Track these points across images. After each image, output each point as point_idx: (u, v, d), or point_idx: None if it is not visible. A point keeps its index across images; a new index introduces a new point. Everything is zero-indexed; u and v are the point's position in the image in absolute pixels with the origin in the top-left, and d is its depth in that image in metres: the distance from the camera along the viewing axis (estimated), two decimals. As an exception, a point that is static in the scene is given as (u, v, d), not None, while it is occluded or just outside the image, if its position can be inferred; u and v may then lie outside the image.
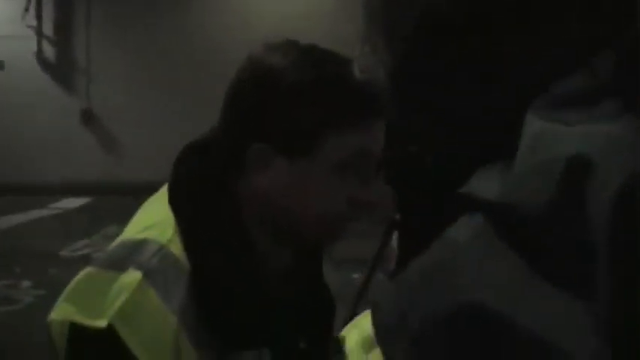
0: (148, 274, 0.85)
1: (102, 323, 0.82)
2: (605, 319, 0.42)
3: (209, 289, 0.87)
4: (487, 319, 0.44)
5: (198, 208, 0.91)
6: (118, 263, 0.87)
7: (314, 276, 1.05)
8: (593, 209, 0.43)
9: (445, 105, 0.56)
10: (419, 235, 0.57)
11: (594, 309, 0.42)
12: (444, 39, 0.55)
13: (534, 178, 0.46)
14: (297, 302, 0.99)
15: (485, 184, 0.49)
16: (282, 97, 0.87)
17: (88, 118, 10.54)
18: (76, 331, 0.84)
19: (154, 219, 0.92)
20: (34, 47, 10.54)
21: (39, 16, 10.51)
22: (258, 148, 0.88)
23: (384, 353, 0.48)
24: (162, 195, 0.95)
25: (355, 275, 4.50)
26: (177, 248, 0.88)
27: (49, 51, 10.71)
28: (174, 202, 0.92)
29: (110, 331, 0.81)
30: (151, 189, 1.00)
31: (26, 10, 10.38)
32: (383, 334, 0.49)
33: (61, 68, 10.71)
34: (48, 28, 10.65)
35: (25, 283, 5.28)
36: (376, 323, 0.49)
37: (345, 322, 2.99)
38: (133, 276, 0.84)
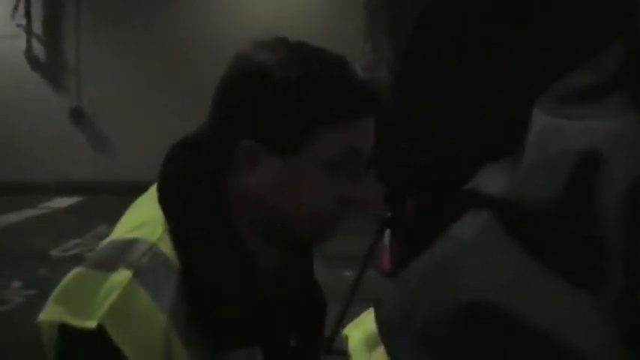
0: (137, 274, 0.84)
1: (92, 324, 0.81)
2: (614, 312, 0.41)
3: (199, 287, 0.86)
4: (492, 317, 0.43)
5: (187, 206, 0.90)
6: (108, 263, 0.86)
7: (304, 274, 1.05)
8: (602, 203, 0.43)
9: (445, 105, 0.56)
10: (415, 234, 0.57)
11: (601, 303, 0.42)
12: (444, 39, 0.55)
13: (542, 173, 0.46)
14: (287, 300, 0.99)
15: (490, 181, 0.49)
16: (271, 95, 0.87)
17: (77, 116, 10.48)
18: (65, 331, 0.84)
19: (143, 218, 0.92)
20: (24, 46, 10.48)
21: (28, 15, 10.44)
22: (248, 146, 0.88)
23: (388, 351, 0.48)
24: (151, 194, 0.95)
25: (347, 273, 4.49)
26: (167, 247, 0.87)
27: (38, 49, 10.65)
28: (163, 200, 0.92)
29: (100, 331, 0.81)
30: (142, 188, 0.99)
31: (15, 9, 10.31)
32: (386, 333, 0.49)
33: (50, 67, 10.64)
34: (37, 27, 10.59)
35: (16, 284, 5.25)
36: (380, 321, 0.50)
37: (338, 320, 2.98)
38: (122, 275, 0.84)
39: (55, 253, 6.19)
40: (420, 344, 0.47)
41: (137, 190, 0.99)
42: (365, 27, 0.63)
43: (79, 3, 10.41)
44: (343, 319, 2.86)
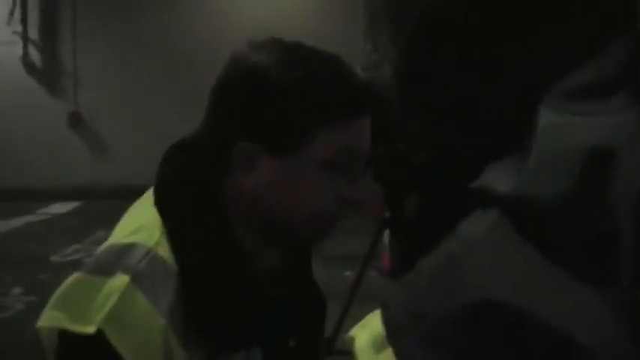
0: (135, 278, 0.84)
1: (91, 329, 0.81)
2: (623, 308, 0.41)
3: (197, 289, 0.86)
4: (501, 315, 0.43)
5: (184, 208, 0.90)
6: (106, 268, 0.86)
7: (303, 274, 1.04)
8: (613, 199, 0.43)
9: (445, 105, 0.56)
10: (417, 235, 0.57)
11: (611, 299, 0.42)
12: (444, 39, 0.56)
13: (550, 169, 0.46)
14: (286, 301, 0.99)
15: (497, 179, 0.49)
16: (269, 95, 0.87)
17: (75, 121, 10.47)
18: (65, 337, 0.84)
19: (140, 222, 0.91)
20: (20, 52, 10.47)
21: (24, 21, 10.43)
22: (244, 147, 0.88)
23: (396, 353, 0.48)
24: (147, 198, 0.94)
25: (347, 273, 4.49)
26: (164, 250, 0.87)
27: (34, 55, 10.64)
28: (160, 203, 0.92)
29: (99, 336, 0.81)
30: (141, 192, 0.99)
31: (11, 14, 10.30)
32: (394, 334, 0.48)
33: (47, 72, 10.63)
34: (33, 33, 10.58)
35: (16, 290, 5.24)
36: (387, 322, 0.49)
37: (339, 320, 2.98)
38: (120, 280, 0.84)
39: (55, 258, 6.18)
40: (428, 345, 0.47)
41: (136, 194, 0.99)
42: (365, 27, 0.63)
43: (74, 7, 10.40)
44: (344, 320, 2.87)
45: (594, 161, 0.45)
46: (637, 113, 0.46)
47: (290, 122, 0.86)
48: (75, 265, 0.91)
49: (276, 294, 0.96)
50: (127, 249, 0.87)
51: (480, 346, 0.45)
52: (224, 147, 0.89)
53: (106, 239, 0.95)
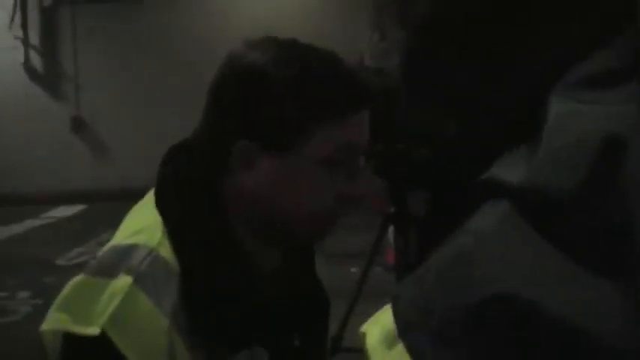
0: (138, 279, 0.84)
1: (94, 330, 0.81)
2: (635, 298, 0.41)
3: (199, 289, 0.86)
4: (511, 309, 0.43)
5: (184, 208, 0.90)
6: (108, 269, 0.86)
7: (306, 272, 1.04)
8: (625, 188, 0.43)
9: (445, 105, 0.57)
10: (427, 231, 0.57)
11: (623, 290, 0.42)
12: (444, 39, 0.56)
13: (563, 158, 0.45)
14: (289, 300, 0.99)
15: (508, 170, 0.49)
16: (266, 93, 0.87)
17: (78, 125, 10.50)
18: (69, 339, 0.84)
19: (142, 224, 0.91)
20: (22, 57, 10.49)
21: (24, 26, 10.45)
22: (243, 146, 0.88)
23: (408, 348, 0.48)
24: (149, 199, 0.94)
25: (353, 269, 4.50)
26: (166, 251, 0.87)
27: (36, 60, 10.66)
28: (160, 203, 0.92)
29: (103, 337, 0.81)
30: (143, 194, 0.99)
31: (12, 20, 10.32)
32: (405, 328, 0.48)
33: (49, 77, 10.65)
34: (34, 38, 10.60)
35: (22, 294, 5.26)
36: (398, 317, 0.49)
37: (345, 317, 2.97)
38: (123, 281, 0.84)
39: (60, 262, 6.19)
40: (438, 339, 0.47)
41: (139, 196, 0.99)
42: (372, 16, 0.63)
43: (74, 12, 10.41)
44: (350, 317, 2.87)
45: (608, 150, 0.44)
46: (638, 106, 0.46)
47: (287, 120, 0.86)
48: (80, 268, 0.91)
49: (278, 293, 0.96)
50: (129, 250, 0.87)
51: (490, 342, 0.44)
52: (223, 147, 0.89)
53: (110, 241, 0.95)
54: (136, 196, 0.99)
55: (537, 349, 0.43)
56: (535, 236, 0.45)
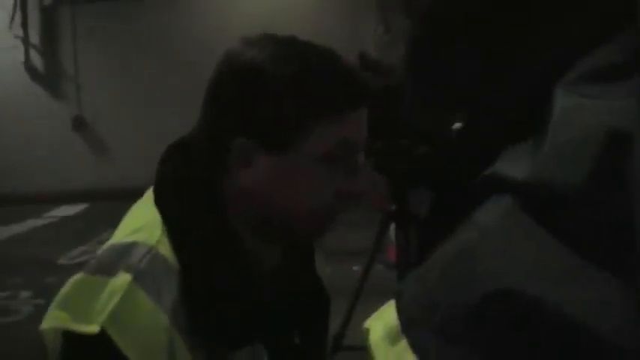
0: (137, 277, 0.84)
1: (94, 328, 0.81)
2: (638, 298, 0.41)
3: (198, 287, 0.86)
4: (514, 305, 0.43)
5: (183, 206, 0.90)
6: (107, 267, 0.86)
7: (305, 270, 1.04)
8: (629, 184, 0.43)
9: (445, 105, 0.57)
10: (430, 229, 0.57)
11: (628, 287, 0.42)
12: (444, 39, 0.56)
13: (568, 153, 0.45)
14: (289, 297, 0.98)
15: (512, 166, 0.48)
16: (264, 91, 0.86)
17: (79, 124, 10.50)
18: (69, 338, 0.84)
19: (141, 222, 0.91)
20: (22, 57, 10.49)
21: (24, 25, 10.45)
22: (240, 144, 0.87)
23: (411, 344, 0.47)
24: (148, 197, 0.94)
25: (355, 267, 4.49)
26: (165, 249, 0.87)
27: (36, 60, 10.66)
28: (159, 201, 0.91)
29: (103, 335, 0.81)
30: (144, 194, 0.99)
31: (12, 19, 10.31)
32: (408, 325, 0.48)
33: (49, 76, 10.65)
34: (34, 37, 10.59)
35: (24, 293, 5.26)
36: (401, 314, 0.49)
37: (346, 316, 2.97)
38: (122, 279, 0.84)
39: (62, 261, 6.20)
40: (441, 336, 0.47)
41: (140, 194, 1.00)
42: (377, 9, 0.63)
43: (74, 11, 10.41)
44: (351, 315, 2.87)
45: (612, 145, 0.44)
46: (638, 101, 0.46)
47: (285, 117, 0.86)
48: (81, 268, 0.91)
49: (278, 291, 0.96)
50: (128, 248, 0.87)
51: (493, 339, 0.44)
52: (221, 144, 0.89)
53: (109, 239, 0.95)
54: (138, 195, 0.99)
55: (539, 345, 0.43)
56: (539, 231, 0.45)
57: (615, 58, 0.50)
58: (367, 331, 0.53)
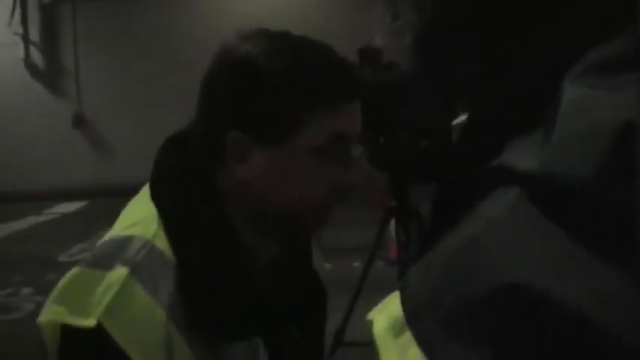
0: (134, 270, 0.84)
1: (91, 322, 0.81)
2: None
3: (195, 281, 0.86)
4: (523, 299, 0.43)
5: (179, 201, 0.90)
6: (104, 261, 0.86)
7: (302, 264, 1.04)
8: (637, 175, 0.42)
9: (445, 105, 0.57)
10: (434, 224, 0.57)
11: (631, 285, 0.41)
12: (444, 39, 0.56)
13: (576, 145, 0.45)
14: (286, 291, 0.99)
15: (519, 157, 0.48)
16: (256, 85, 0.87)
17: (79, 122, 10.50)
18: (66, 331, 0.84)
19: (138, 216, 0.92)
20: (22, 54, 10.48)
21: (24, 22, 10.44)
22: (235, 138, 0.88)
23: (415, 337, 0.47)
24: (145, 192, 0.95)
25: (356, 264, 4.50)
26: (162, 243, 0.87)
27: (36, 57, 10.65)
28: (156, 196, 0.92)
29: (100, 329, 0.81)
30: (144, 190, 0.99)
31: (12, 16, 10.30)
32: (412, 317, 0.48)
33: (49, 73, 10.65)
34: (34, 34, 10.59)
35: (26, 290, 5.27)
36: (405, 305, 0.49)
37: (347, 311, 2.98)
38: (119, 273, 0.84)
39: (62, 258, 6.20)
40: (445, 327, 0.46)
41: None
42: (386, 2, 0.63)
43: (74, 8, 10.40)
44: (352, 311, 2.87)
45: (618, 137, 0.44)
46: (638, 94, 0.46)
47: (280, 110, 0.86)
48: (81, 265, 0.91)
49: (275, 285, 0.96)
50: (125, 242, 0.88)
51: (498, 331, 0.44)
52: (216, 139, 0.89)
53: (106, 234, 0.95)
54: (137, 191, 0.99)
55: (546, 339, 0.43)
56: (546, 223, 0.44)
57: (622, 49, 0.49)
58: (371, 322, 0.53)
